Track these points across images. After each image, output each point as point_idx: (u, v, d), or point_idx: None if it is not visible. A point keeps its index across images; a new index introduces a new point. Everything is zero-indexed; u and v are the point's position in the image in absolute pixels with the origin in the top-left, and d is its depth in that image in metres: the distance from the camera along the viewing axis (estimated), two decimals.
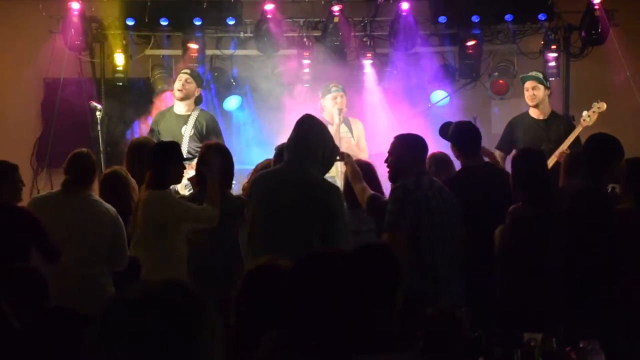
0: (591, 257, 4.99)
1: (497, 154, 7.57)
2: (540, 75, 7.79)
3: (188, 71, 7.75)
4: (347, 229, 4.91)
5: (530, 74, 7.82)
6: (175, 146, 5.68)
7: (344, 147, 7.56)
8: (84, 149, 5.63)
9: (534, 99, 7.66)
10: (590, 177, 5.27)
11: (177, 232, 5.32)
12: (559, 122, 7.69)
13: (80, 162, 5.50)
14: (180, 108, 7.64)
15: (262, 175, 5.24)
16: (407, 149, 5.15)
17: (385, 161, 5.23)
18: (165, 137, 7.25)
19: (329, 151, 4.93)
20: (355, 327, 3.23)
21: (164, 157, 5.42)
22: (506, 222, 5.15)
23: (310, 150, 4.80)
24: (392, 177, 5.19)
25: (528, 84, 7.74)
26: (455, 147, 5.89)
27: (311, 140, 4.83)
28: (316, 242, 4.69)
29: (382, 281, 3.40)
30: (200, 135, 7.48)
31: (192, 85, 7.66)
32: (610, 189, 5.59)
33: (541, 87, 7.65)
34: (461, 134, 5.84)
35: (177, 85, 7.62)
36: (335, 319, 3.20)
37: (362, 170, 5.63)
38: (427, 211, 4.91)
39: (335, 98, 7.76)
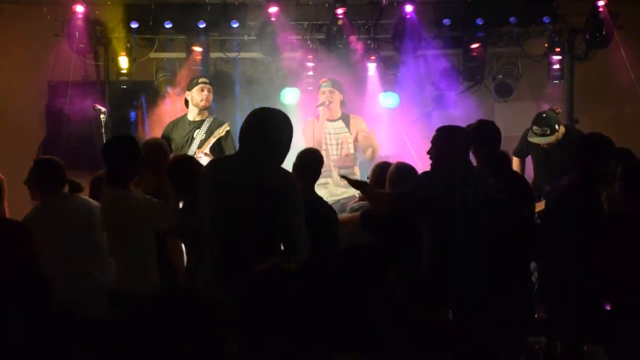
0: (581, 260, 4.99)
1: (515, 160, 7.55)
2: (547, 135, 7.39)
3: (207, 80, 7.69)
4: (302, 218, 4.57)
5: (537, 138, 7.44)
6: (130, 140, 5.36)
7: (335, 143, 7.65)
8: (43, 158, 5.59)
9: (552, 145, 7.46)
10: (579, 177, 5.25)
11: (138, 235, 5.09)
12: (571, 135, 7.44)
13: (37, 172, 5.45)
14: (194, 115, 7.62)
15: (215, 162, 5.14)
16: (449, 141, 5.14)
17: (428, 152, 5.20)
18: (178, 143, 7.29)
19: (285, 141, 4.67)
20: (354, 326, 3.24)
21: (120, 152, 5.10)
22: None
23: (263, 140, 4.58)
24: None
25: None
26: None
27: (264, 130, 4.61)
28: (269, 230, 4.49)
29: (365, 282, 3.41)
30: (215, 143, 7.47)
31: (211, 94, 7.66)
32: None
33: (552, 137, 7.40)
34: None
35: (201, 96, 7.53)
36: (336, 320, 3.22)
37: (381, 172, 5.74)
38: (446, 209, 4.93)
39: (324, 93, 7.77)
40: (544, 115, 7.47)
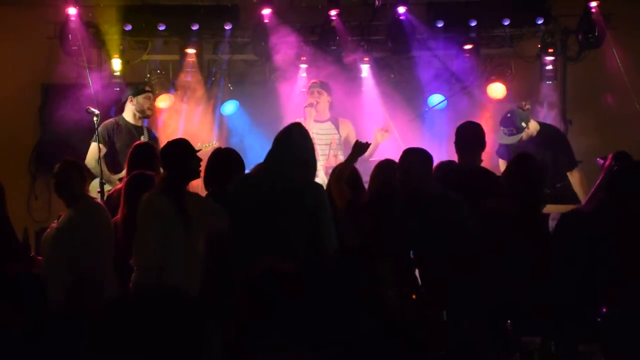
0: (590, 258, 5.00)
1: (500, 161, 7.52)
2: (514, 134, 7.21)
3: (150, 89, 7.81)
4: (332, 224, 4.90)
5: (506, 139, 7.28)
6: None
7: (324, 144, 7.79)
8: (58, 164, 5.54)
9: (524, 141, 7.25)
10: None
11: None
12: (547, 132, 7.40)
13: (80, 173, 5.51)
14: (135, 120, 7.64)
15: (243, 181, 5.21)
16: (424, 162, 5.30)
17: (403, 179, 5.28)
18: (124, 148, 7.17)
19: (311, 156, 5.04)
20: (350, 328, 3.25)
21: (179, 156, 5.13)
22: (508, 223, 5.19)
23: (294, 155, 4.92)
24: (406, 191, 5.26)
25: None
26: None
27: (294, 145, 4.95)
28: (304, 242, 4.76)
29: (357, 282, 3.42)
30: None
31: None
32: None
33: (521, 135, 7.21)
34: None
35: (148, 104, 7.62)
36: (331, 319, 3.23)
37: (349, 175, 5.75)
38: None
39: (312, 94, 7.92)
40: (509, 115, 7.35)
